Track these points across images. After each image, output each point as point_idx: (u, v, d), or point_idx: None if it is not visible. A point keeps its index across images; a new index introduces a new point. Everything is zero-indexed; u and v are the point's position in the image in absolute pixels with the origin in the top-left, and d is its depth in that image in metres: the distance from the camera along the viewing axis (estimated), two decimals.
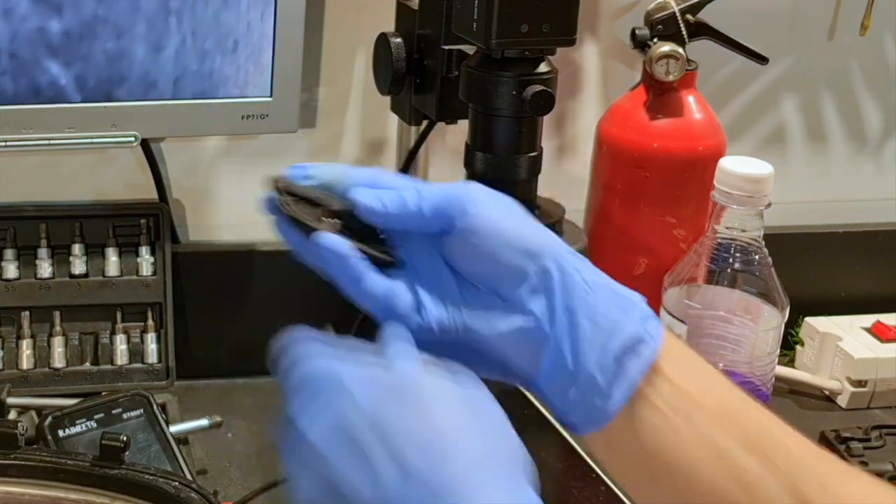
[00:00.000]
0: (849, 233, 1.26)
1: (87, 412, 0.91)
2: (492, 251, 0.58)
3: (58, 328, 1.04)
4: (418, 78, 0.96)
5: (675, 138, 1.06)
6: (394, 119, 1.03)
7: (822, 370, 1.16)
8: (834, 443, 1.05)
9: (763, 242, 0.96)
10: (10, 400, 0.94)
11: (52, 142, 0.96)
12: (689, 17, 1.05)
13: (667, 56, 1.04)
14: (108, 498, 0.77)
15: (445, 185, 0.60)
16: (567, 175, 1.20)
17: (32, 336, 1.04)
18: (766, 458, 0.57)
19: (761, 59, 1.08)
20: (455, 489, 0.48)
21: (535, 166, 0.89)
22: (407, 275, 0.61)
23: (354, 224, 0.61)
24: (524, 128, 0.87)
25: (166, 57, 0.96)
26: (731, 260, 0.95)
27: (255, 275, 1.11)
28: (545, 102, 0.84)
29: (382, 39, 0.97)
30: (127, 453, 0.78)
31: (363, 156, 1.15)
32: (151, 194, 1.09)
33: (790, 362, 1.19)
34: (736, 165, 0.94)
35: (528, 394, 1.06)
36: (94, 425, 0.90)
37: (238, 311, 1.11)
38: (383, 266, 0.61)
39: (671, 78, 1.04)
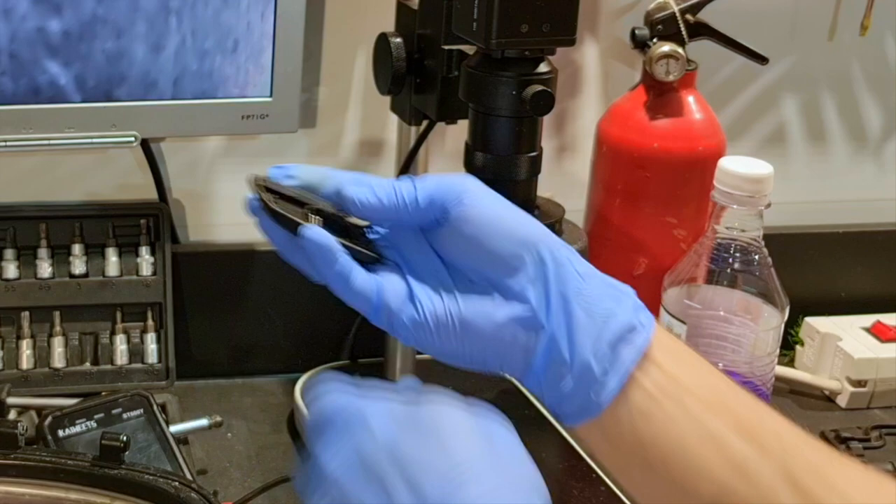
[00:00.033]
0: (849, 233, 1.26)
1: (86, 412, 0.91)
2: (487, 240, 0.59)
3: (58, 328, 1.04)
4: (418, 78, 0.96)
5: (675, 138, 1.06)
6: (394, 119, 1.03)
7: (821, 370, 1.16)
8: (833, 443, 1.05)
9: (763, 242, 0.96)
10: (10, 400, 0.94)
11: (52, 142, 0.96)
12: (688, 17, 1.05)
13: (667, 56, 1.04)
14: (108, 498, 0.77)
15: (438, 176, 0.60)
16: (567, 175, 1.20)
17: (32, 336, 1.04)
18: (760, 444, 0.57)
19: (761, 59, 1.08)
20: None
21: (535, 166, 0.89)
22: (397, 269, 0.61)
23: (339, 223, 0.62)
24: (524, 128, 0.87)
25: (166, 57, 0.96)
26: (730, 260, 0.95)
27: (254, 275, 1.11)
28: (545, 102, 0.84)
29: (382, 39, 0.97)
30: (127, 453, 0.78)
31: (363, 156, 1.15)
32: (151, 194, 1.09)
33: (790, 362, 1.19)
34: (736, 165, 0.94)
35: (528, 394, 1.06)
36: (94, 425, 0.90)
37: (238, 311, 1.11)
38: (370, 263, 0.61)
39: (671, 78, 1.04)
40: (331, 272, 0.60)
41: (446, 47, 0.92)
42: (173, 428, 0.94)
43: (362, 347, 1.09)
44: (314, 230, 0.60)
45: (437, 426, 0.49)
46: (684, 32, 1.05)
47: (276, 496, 0.93)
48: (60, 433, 0.89)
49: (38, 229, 1.04)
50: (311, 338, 1.12)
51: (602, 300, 0.58)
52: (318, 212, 0.61)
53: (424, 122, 0.99)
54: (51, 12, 0.91)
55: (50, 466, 0.78)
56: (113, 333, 1.05)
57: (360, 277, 0.60)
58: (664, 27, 1.05)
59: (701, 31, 1.06)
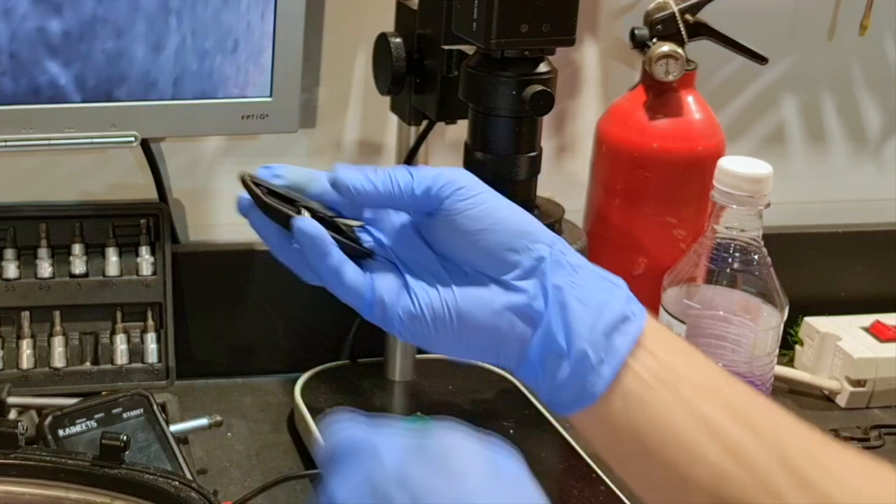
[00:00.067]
0: (848, 233, 1.26)
1: (87, 412, 0.91)
2: (482, 234, 0.60)
3: (58, 328, 1.04)
4: (418, 78, 0.96)
5: (674, 138, 1.06)
6: (393, 119, 1.03)
7: (821, 370, 1.16)
8: None
9: (762, 242, 0.96)
10: (11, 399, 0.94)
11: (52, 142, 0.96)
12: (688, 17, 1.05)
13: (666, 56, 1.04)
14: (108, 497, 0.77)
15: (432, 168, 0.61)
16: (567, 175, 1.20)
17: (32, 336, 1.04)
18: (754, 428, 0.58)
19: (761, 60, 1.08)
20: None
21: (535, 166, 0.89)
22: (390, 264, 0.62)
23: (330, 222, 0.62)
24: (524, 128, 0.87)
25: (166, 57, 0.96)
26: (730, 260, 0.95)
27: (254, 275, 1.11)
28: (545, 102, 0.84)
29: (382, 39, 0.97)
30: (127, 453, 0.78)
31: (363, 156, 1.15)
32: (151, 194, 1.10)
33: (789, 362, 1.19)
34: (735, 165, 0.95)
35: (528, 394, 1.07)
36: (94, 425, 0.90)
37: (238, 311, 1.12)
38: (362, 259, 0.62)
39: (671, 78, 1.04)
40: (323, 265, 0.61)
41: (446, 47, 0.92)
42: (173, 427, 0.94)
43: (362, 347, 1.09)
44: (307, 221, 0.60)
45: (446, 455, 0.50)
46: (684, 32, 1.05)
47: (276, 496, 0.93)
48: (61, 433, 0.89)
49: (38, 229, 1.04)
50: (311, 338, 1.12)
51: (596, 291, 0.59)
52: (309, 210, 0.62)
53: (424, 122, 0.99)
54: (51, 12, 0.91)
55: (50, 466, 0.78)
56: (113, 333, 1.06)
57: (353, 271, 0.61)
58: (664, 27, 1.05)
59: (700, 31, 1.06)
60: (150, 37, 0.94)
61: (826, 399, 1.15)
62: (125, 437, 0.78)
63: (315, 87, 1.12)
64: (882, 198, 1.30)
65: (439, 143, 1.12)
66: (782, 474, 0.57)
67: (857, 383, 1.13)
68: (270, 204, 0.61)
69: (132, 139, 0.97)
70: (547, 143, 0.91)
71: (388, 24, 0.99)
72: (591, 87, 1.20)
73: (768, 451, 0.57)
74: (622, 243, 1.09)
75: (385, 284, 0.61)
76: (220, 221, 1.13)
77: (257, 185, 0.62)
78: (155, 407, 0.93)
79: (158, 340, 1.06)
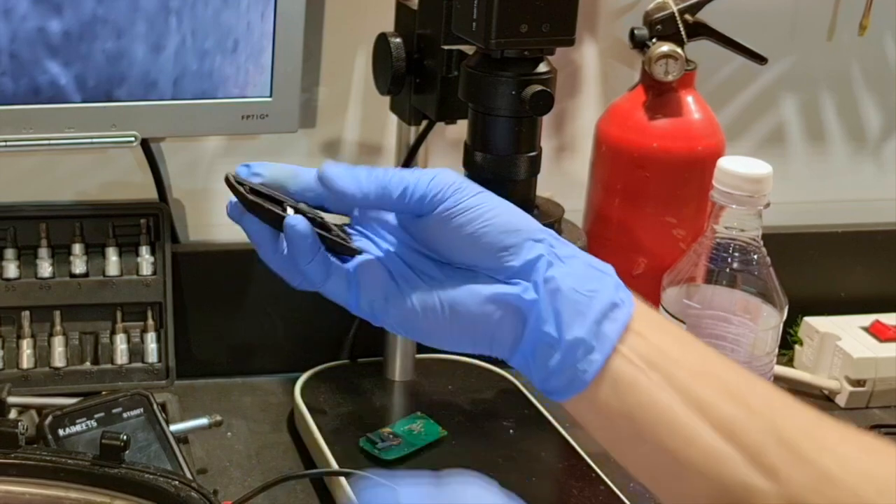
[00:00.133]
0: (848, 233, 1.26)
1: (87, 411, 0.91)
2: (474, 234, 0.60)
3: (58, 328, 1.04)
4: (418, 78, 0.96)
5: (674, 138, 1.06)
6: (393, 119, 1.03)
7: (820, 370, 1.16)
8: None
9: (762, 242, 0.96)
10: (11, 399, 0.94)
11: (52, 142, 0.96)
12: (687, 17, 1.05)
13: (666, 56, 1.04)
14: (108, 497, 0.77)
15: (424, 172, 0.61)
16: (566, 175, 1.20)
17: (32, 336, 1.04)
18: (748, 406, 0.59)
19: (760, 60, 1.08)
20: None
21: (535, 166, 0.89)
22: (378, 260, 0.62)
23: (317, 219, 0.62)
24: (523, 128, 0.87)
25: (166, 57, 0.96)
26: (730, 260, 0.95)
27: (254, 275, 1.11)
28: (544, 102, 0.84)
29: (382, 39, 0.97)
30: (127, 452, 0.78)
31: (363, 156, 1.15)
32: (151, 194, 1.10)
33: (789, 362, 1.19)
34: (735, 165, 0.95)
35: (528, 393, 1.07)
36: (95, 424, 0.90)
37: (238, 311, 1.12)
38: (348, 254, 0.62)
39: (670, 78, 1.04)
40: (309, 263, 0.61)
41: (446, 47, 0.92)
42: (173, 427, 0.94)
43: (362, 347, 1.09)
44: (295, 219, 0.61)
45: (461, 500, 0.51)
46: (683, 32, 1.05)
47: (275, 496, 0.93)
48: (61, 432, 0.89)
49: (38, 229, 1.04)
50: (311, 338, 1.12)
51: (585, 280, 0.60)
52: (296, 208, 0.62)
53: (424, 122, 0.99)
54: (51, 12, 0.91)
55: (50, 466, 0.78)
56: (113, 333, 1.06)
57: (337, 268, 0.61)
58: (663, 27, 1.05)
59: (700, 31, 1.06)
60: (150, 37, 0.94)
61: (826, 399, 1.15)
62: (125, 437, 0.78)
63: (315, 87, 1.12)
64: (882, 198, 1.30)
65: (439, 143, 1.12)
66: (778, 451, 0.57)
67: (857, 383, 1.13)
68: (256, 202, 0.61)
69: (132, 139, 0.98)
70: (547, 143, 0.91)
71: (388, 24, 0.99)
72: (591, 87, 1.20)
73: (763, 429, 0.58)
74: (622, 243, 1.09)
75: (372, 280, 0.61)
76: (220, 221, 1.12)
77: (241, 184, 0.62)
78: (155, 407, 0.93)
79: (158, 340, 1.06)
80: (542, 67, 0.86)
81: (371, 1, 1.07)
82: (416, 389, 1.08)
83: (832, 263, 1.25)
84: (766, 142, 1.26)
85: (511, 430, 1.02)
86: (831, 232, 1.25)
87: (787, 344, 1.18)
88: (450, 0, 0.88)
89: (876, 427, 1.09)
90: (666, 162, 1.06)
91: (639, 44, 1.06)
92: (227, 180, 0.62)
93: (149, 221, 1.07)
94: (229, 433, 1.03)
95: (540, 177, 0.90)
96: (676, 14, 1.05)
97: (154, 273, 1.06)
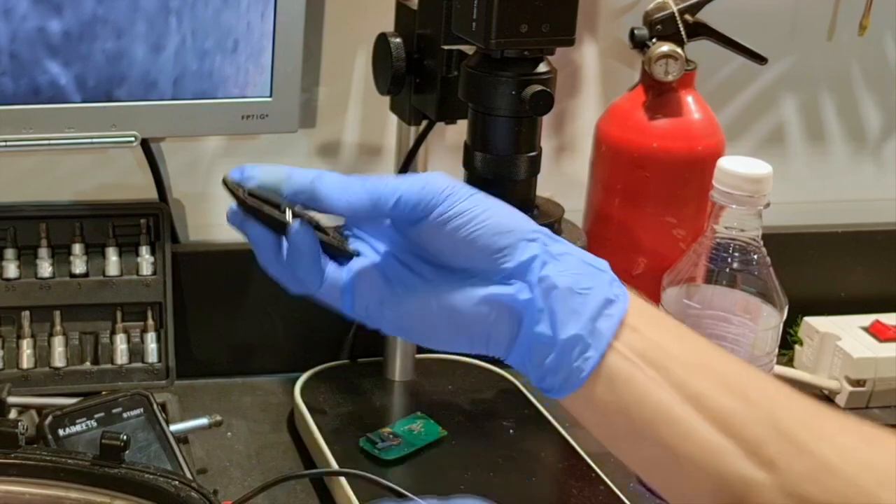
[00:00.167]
0: (848, 233, 1.26)
1: (87, 411, 0.91)
2: (467, 238, 0.60)
3: (58, 328, 1.04)
4: (418, 78, 0.96)
5: (674, 138, 1.06)
6: (393, 119, 1.03)
7: (820, 370, 1.16)
8: None
9: (762, 242, 0.96)
10: (11, 399, 0.94)
11: (52, 142, 0.96)
12: (687, 17, 1.05)
13: (666, 56, 1.04)
14: (108, 497, 0.77)
15: (415, 179, 0.61)
16: (566, 175, 1.20)
17: (33, 336, 1.04)
18: (745, 398, 0.59)
19: (760, 60, 1.08)
20: None
21: (535, 166, 0.89)
22: (374, 262, 0.62)
23: (313, 221, 0.62)
24: (523, 128, 0.87)
25: (166, 57, 0.96)
26: (729, 260, 0.95)
27: (254, 275, 1.10)
28: (544, 102, 0.84)
29: (382, 39, 0.97)
30: (127, 452, 0.78)
31: (363, 156, 1.15)
32: (151, 194, 1.10)
33: (789, 362, 1.19)
34: (735, 165, 0.94)
35: (528, 393, 1.07)
36: (95, 424, 0.90)
37: (238, 311, 1.12)
38: (345, 258, 0.62)
39: (670, 78, 1.04)
40: (310, 271, 0.61)
41: (446, 47, 0.92)
42: (173, 427, 0.94)
43: (362, 347, 1.09)
44: (306, 229, 0.61)
45: None
46: (683, 32, 1.05)
47: (275, 496, 0.93)
48: (61, 432, 0.89)
49: (38, 229, 1.04)
50: (311, 338, 1.12)
51: (579, 278, 0.60)
52: (294, 212, 0.62)
53: (424, 122, 0.99)
54: (51, 12, 0.91)
55: (50, 466, 0.78)
56: (113, 333, 1.06)
57: (333, 272, 0.62)
58: (663, 27, 1.05)
59: (700, 31, 1.06)
60: (150, 37, 0.94)
61: (826, 399, 1.15)
62: (125, 437, 0.78)
63: (315, 87, 1.12)
64: (882, 198, 1.30)
65: (439, 143, 1.12)
66: (776, 443, 0.57)
67: (857, 383, 1.13)
68: (254, 206, 0.61)
69: (132, 139, 0.98)
70: (547, 143, 0.91)
71: (388, 24, 0.99)
72: (591, 86, 1.20)
73: (761, 421, 0.58)
74: (622, 243, 1.09)
75: (367, 284, 0.62)
76: (220, 221, 1.11)
77: (239, 187, 0.62)
78: (155, 407, 0.93)
79: (158, 340, 1.06)
80: (542, 67, 0.86)
81: (371, 1, 1.07)
82: (416, 389, 1.08)
83: (832, 263, 1.25)
84: (766, 142, 1.26)
85: (511, 430, 1.02)
86: (831, 232, 1.25)
87: (787, 344, 1.18)
88: (450, 0, 0.88)
89: None
90: (666, 162, 1.06)
91: (639, 44, 1.06)
92: (226, 183, 0.62)
93: (149, 221, 1.07)
94: (229, 433, 1.03)
95: (540, 177, 0.90)
96: (676, 14, 1.05)
97: (154, 273, 1.06)
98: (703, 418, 0.58)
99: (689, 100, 1.07)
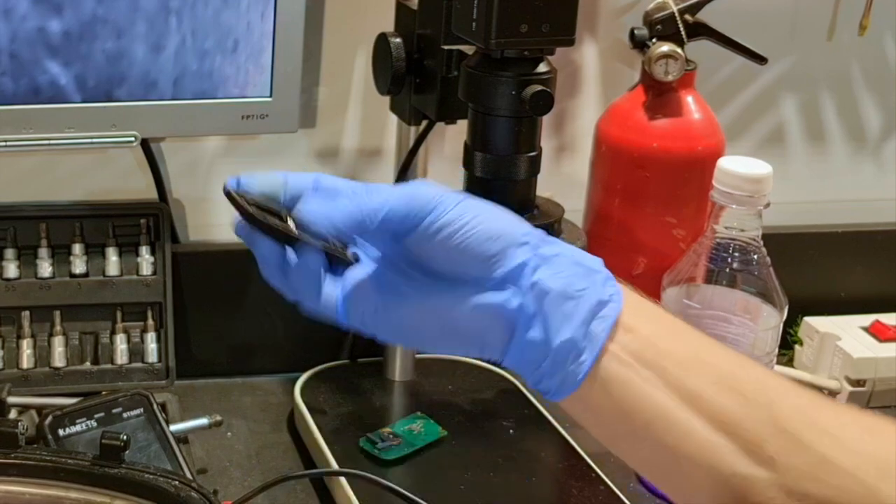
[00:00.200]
0: (848, 233, 1.26)
1: (87, 411, 0.91)
2: (458, 246, 0.60)
3: (58, 328, 1.04)
4: (418, 78, 0.96)
5: (674, 138, 1.06)
6: (393, 119, 1.03)
7: (820, 370, 1.16)
8: None
9: (762, 242, 0.96)
10: (11, 399, 0.94)
11: (52, 142, 0.96)
12: (687, 17, 1.05)
13: (666, 56, 1.04)
14: (108, 497, 0.77)
15: (402, 191, 0.61)
16: (566, 175, 1.20)
17: (32, 335, 1.04)
18: (742, 394, 0.58)
19: (760, 60, 1.08)
20: None
21: (535, 166, 0.89)
22: (369, 271, 0.62)
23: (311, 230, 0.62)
24: (523, 128, 0.87)
25: (166, 57, 0.96)
26: (729, 260, 0.95)
27: (254, 275, 1.09)
28: (544, 102, 0.84)
29: (382, 39, 0.97)
30: (127, 452, 0.78)
31: (363, 155, 1.15)
32: (151, 194, 1.10)
33: (789, 362, 1.19)
34: (735, 165, 0.94)
35: (528, 393, 1.07)
36: (95, 424, 0.90)
37: (238, 311, 1.12)
38: (344, 264, 0.62)
39: (670, 78, 1.04)
40: (311, 288, 0.62)
41: (446, 47, 0.92)
42: (173, 427, 0.94)
43: (362, 347, 1.09)
44: (306, 251, 0.61)
45: None
46: (683, 32, 1.05)
47: (275, 496, 0.93)
48: (61, 432, 0.89)
49: (38, 229, 1.04)
50: (311, 338, 1.12)
51: (572, 279, 0.60)
52: (295, 222, 0.62)
53: (424, 122, 0.99)
54: (51, 12, 0.91)
55: (50, 466, 0.78)
56: (113, 333, 1.06)
57: (332, 289, 0.62)
58: (663, 27, 1.05)
59: (700, 31, 1.06)
60: (150, 37, 0.94)
61: None
62: (125, 437, 0.78)
63: (315, 87, 1.12)
64: (882, 198, 1.30)
65: (439, 143, 1.12)
66: (775, 440, 0.57)
67: (857, 383, 1.13)
68: (258, 217, 0.61)
69: (132, 139, 0.98)
70: (547, 143, 0.91)
71: (388, 24, 0.99)
72: (591, 87, 1.20)
73: (759, 417, 0.57)
74: (622, 243, 1.09)
75: (362, 295, 0.62)
76: (220, 221, 1.13)
77: (242, 197, 0.62)
78: (155, 407, 0.93)
79: (158, 340, 1.06)
80: (542, 67, 0.86)
81: (371, 1, 1.07)
82: (416, 389, 1.08)
83: (832, 263, 1.25)
84: (766, 142, 1.26)
85: (511, 430, 1.02)
86: (831, 232, 1.25)
87: (787, 344, 1.18)
88: (450, 0, 0.88)
89: None
90: (666, 162, 1.06)
91: (639, 44, 1.06)
92: (230, 195, 0.62)
93: (149, 221, 1.07)
94: (229, 433, 1.03)
95: (540, 177, 0.90)
96: (676, 14, 1.05)
97: (154, 273, 1.06)
98: (700, 418, 0.58)
99: (689, 100, 1.07)
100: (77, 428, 0.90)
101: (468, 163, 0.89)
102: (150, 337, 1.06)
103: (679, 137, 1.06)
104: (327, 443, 0.96)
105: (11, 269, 1.03)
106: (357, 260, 0.63)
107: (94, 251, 1.05)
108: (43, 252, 1.04)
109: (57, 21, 0.92)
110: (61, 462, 0.78)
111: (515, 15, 0.82)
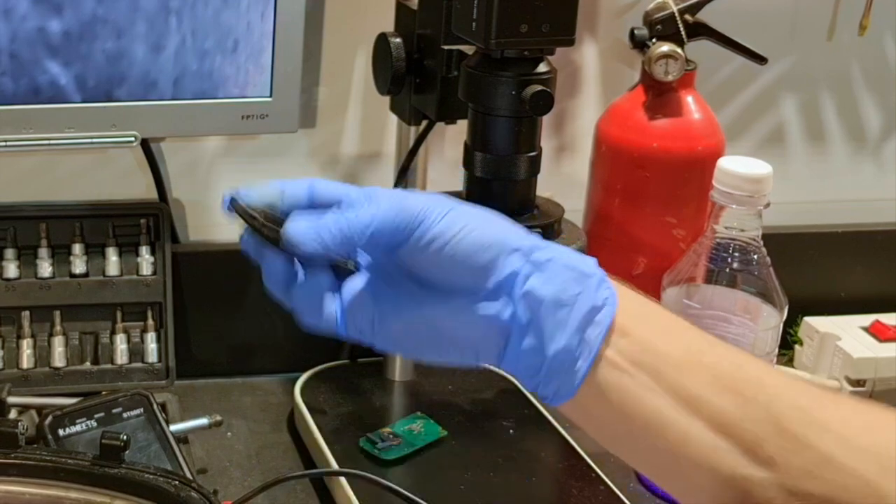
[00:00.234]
0: (848, 233, 1.26)
1: (87, 411, 0.91)
2: (448, 256, 0.60)
3: (58, 328, 1.04)
4: (418, 78, 0.96)
5: (674, 138, 1.06)
6: (393, 119, 1.03)
7: (820, 370, 1.16)
8: None
9: (762, 242, 0.96)
10: (11, 399, 0.94)
11: (52, 142, 0.96)
12: (687, 17, 1.05)
13: (666, 56, 1.04)
14: (108, 497, 0.77)
15: (391, 202, 0.60)
16: (566, 175, 1.20)
17: (33, 335, 1.04)
18: (740, 394, 0.58)
19: (760, 60, 1.08)
20: None
21: (535, 166, 0.89)
22: (366, 285, 0.62)
23: None
24: (523, 128, 0.87)
25: (166, 57, 0.96)
26: (729, 260, 0.95)
27: (254, 275, 1.09)
28: (544, 102, 0.84)
29: (382, 39, 0.97)
30: (127, 452, 0.78)
31: (363, 156, 1.15)
32: (151, 194, 1.10)
33: (789, 362, 1.19)
34: (735, 165, 0.94)
35: (528, 394, 1.07)
36: (95, 424, 0.90)
37: (238, 311, 1.12)
38: (344, 273, 0.63)
39: (670, 78, 1.04)
40: (317, 309, 0.62)
41: (446, 47, 0.92)
42: (173, 427, 0.94)
43: (362, 347, 1.08)
44: (320, 267, 0.61)
45: None
46: (683, 32, 1.05)
47: (275, 496, 0.93)
48: (61, 432, 0.89)
49: (38, 229, 1.04)
50: (311, 338, 1.10)
51: (566, 286, 0.59)
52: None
53: (424, 122, 0.99)
54: (51, 12, 0.91)
55: (50, 465, 0.78)
56: (113, 333, 1.06)
57: (331, 307, 0.63)
58: (663, 27, 1.05)
59: (700, 31, 1.06)
60: (150, 37, 0.94)
61: None
62: (125, 437, 0.78)
63: (315, 87, 1.12)
64: (882, 198, 1.30)
65: (439, 143, 1.12)
66: (775, 439, 0.56)
67: (857, 383, 1.13)
68: (268, 233, 0.61)
69: (132, 139, 0.98)
70: (547, 143, 0.91)
71: (388, 24, 0.99)
72: (591, 87, 1.20)
73: (758, 417, 0.57)
74: (622, 243, 1.09)
75: (359, 307, 0.62)
76: (220, 221, 1.13)
77: (251, 211, 0.62)
78: (155, 407, 0.93)
79: (158, 340, 1.06)
80: (542, 67, 0.86)
81: (371, 1, 1.07)
82: (416, 389, 1.08)
83: (832, 263, 1.25)
84: (766, 142, 1.26)
85: (511, 430, 1.02)
86: (831, 232, 1.25)
87: (787, 344, 1.18)
88: (450, 0, 0.88)
89: None
90: (666, 162, 1.06)
91: (639, 44, 1.06)
92: (238, 207, 0.62)
93: (149, 221, 1.07)
94: (229, 433, 1.03)
95: (540, 177, 0.90)
96: (676, 14, 1.05)
97: (154, 273, 1.06)
98: (698, 420, 0.58)
99: (689, 100, 1.07)
100: (77, 428, 0.90)
101: (468, 163, 0.89)
102: (150, 337, 1.06)
103: (679, 137, 1.06)
104: (327, 443, 0.96)
105: (11, 269, 1.03)
106: (357, 269, 0.63)
107: (94, 251, 1.05)
108: (43, 252, 1.04)
109: (57, 21, 0.92)
110: (61, 462, 0.78)
111: (515, 15, 0.82)
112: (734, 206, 0.94)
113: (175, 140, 1.10)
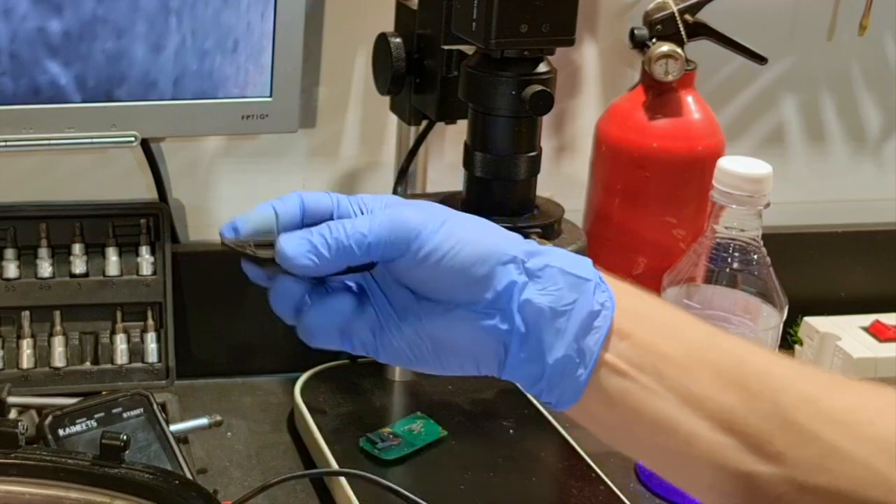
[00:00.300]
0: (848, 233, 1.26)
1: (87, 411, 0.91)
2: (443, 270, 0.59)
3: (58, 328, 1.04)
4: (418, 78, 0.96)
5: (674, 138, 1.06)
6: (393, 119, 1.03)
7: None
8: None
9: (762, 242, 0.96)
10: (11, 399, 0.94)
11: (52, 142, 0.96)
12: (687, 17, 1.05)
13: (666, 56, 1.04)
14: (108, 497, 0.77)
15: (385, 216, 0.60)
16: (566, 175, 1.20)
17: (33, 336, 1.04)
18: (745, 389, 0.57)
19: (760, 60, 1.08)
20: None
21: (535, 166, 0.89)
22: (364, 299, 0.62)
23: None
24: (523, 128, 0.87)
25: (166, 57, 0.96)
26: (729, 260, 0.95)
27: None
28: (544, 102, 0.84)
29: (382, 39, 0.97)
30: (127, 452, 0.78)
31: (363, 156, 1.15)
32: (151, 194, 1.10)
33: None
34: (735, 165, 0.94)
35: (528, 394, 1.07)
36: (95, 424, 0.90)
37: (238, 311, 1.12)
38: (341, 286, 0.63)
39: (670, 78, 1.04)
40: (327, 333, 0.62)
41: (446, 47, 0.92)
42: (173, 427, 0.94)
43: None
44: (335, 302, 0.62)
45: None
46: (683, 32, 1.05)
47: (275, 496, 0.93)
48: (61, 432, 0.89)
49: (38, 229, 1.04)
50: None
51: (562, 294, 0.59)
52: None
53: (424, 122, 0.99)
54: (51, 12, 0.91)
55: (50, 465, 0.78)
56: (113, 333, 1.06)
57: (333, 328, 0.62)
58: (663, 27, 1.05)
59: (700, 31, 1.06)
60: (150, 37, 0.94)
61: None
62: (125, 437, 0.78)
63: (315, 87, 1.12)
64: (882, 198, 1.30)
65: (439, 143, 1.12)
66: (782, 433, 0.56)
67: None
68: (261, 257, 0.62)
69: (132, 139, 0.98)
70: (546, 143, 0.92)
71: (388, 24, 0.99)
72: (591, 87, 1.20)
73: (764, 411, 0.57)
74: (622, 243, 1.09)
75: (360, 324, 0.62)
76: (220, 221, 1.12)
77: (241, 246, 0.62)
78: (155, 407, 0.93)
79: (158, 340, 1.06)
80: (542, 67, 0.86)
81: (371, 1, 1.07)
82: (416, 389, 1.08)
83: (832, 263, 1.25)
84: (766, 142, 1.26)
85: (511, 430, 1.02)
86: (831, 232, 1.25)
87: (787, 344, 1.18)
88: (450, 0, 0.88)
89: None
90: (666, 162, 1.06)
91: (639, 44, 1.06)
92: (229, 246, 0.62)
93: (149, 221, 1.07)
94: (229, 433, 1.03)
95: (540, 177, 0.90)
96: (676, 14, 1.05)
97: (154, 273, 1.06)
98: (703, 419, 0.58)
99: (689, 100, 1.07)
100: (77, 428, 0.90)
101: (468, 163, 0.89)
102: (150, 337, 1.06)
103: (679, 137, 1.06)
104: (327, 443, 0.96)
105: (11, 269, 1.03)
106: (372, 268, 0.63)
107: (94, 251, 1.05)
108: (43, 252, 1.04)
109: (57, 21, 0.92)
110: (61, 462, 0.78)
111: (515, 15, 0.82)
112: (734, 206, 0.94)
113: (175, 140, 1.10)
